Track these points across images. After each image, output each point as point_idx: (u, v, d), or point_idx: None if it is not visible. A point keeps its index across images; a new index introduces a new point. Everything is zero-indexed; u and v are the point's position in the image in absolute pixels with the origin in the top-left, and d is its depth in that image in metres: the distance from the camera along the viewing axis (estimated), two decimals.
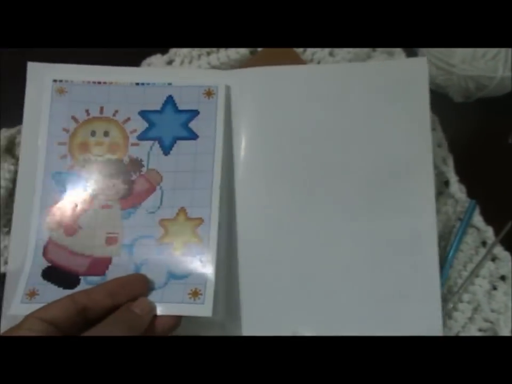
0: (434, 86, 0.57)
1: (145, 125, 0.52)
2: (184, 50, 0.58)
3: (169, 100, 0.52)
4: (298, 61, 0.57)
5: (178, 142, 0.52)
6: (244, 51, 0.58)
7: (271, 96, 0.53)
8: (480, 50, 0.53)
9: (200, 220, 0.49)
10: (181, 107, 0.52)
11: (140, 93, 0.53)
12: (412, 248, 0.49)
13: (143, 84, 0.53)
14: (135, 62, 0.58)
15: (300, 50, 0.59)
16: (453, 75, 0.54)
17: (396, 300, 0.48)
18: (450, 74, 0.54)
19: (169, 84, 0.53)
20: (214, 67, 0.58)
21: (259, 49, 0.58)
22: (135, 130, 0.52)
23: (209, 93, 0.52)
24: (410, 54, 0.58)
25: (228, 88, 0.53)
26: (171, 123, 0.52)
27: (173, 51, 0.58)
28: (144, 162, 0.51)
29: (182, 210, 0.50)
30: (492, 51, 0.53)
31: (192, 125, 0.52)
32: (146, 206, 0.50)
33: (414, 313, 0.48)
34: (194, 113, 0.52)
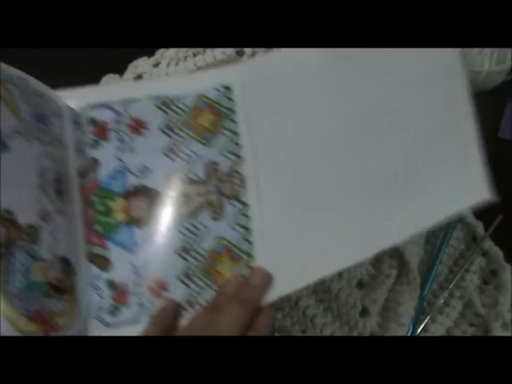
0: None
1: None
2: (171, 52, 0.57)
3: None
4: None
5: None
6: (230, 51, 0.58)
7: (290, 84, 0.51)
8: None
9: None
10: None
11: None
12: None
13: None
14: (122, 64, 0.58)
15: None
16: None
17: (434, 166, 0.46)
18: None
19: None
20: (199, 68, 0.57)
21: (245, 49, 0.58)
22: None
23: None
24: None
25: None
26: None
27: (159, 53, 0.57)
28: None
29: None
30: None
31: None
32: None
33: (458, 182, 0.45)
34: None
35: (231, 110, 0.52)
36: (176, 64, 0.58)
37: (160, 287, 0.48)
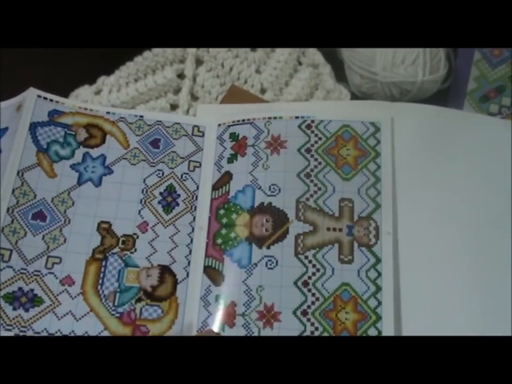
0: (361, 94, 0.57)
1: None
2: (112, 79, 0.57)
3: None
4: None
5: None
6: (171, 75, 0.57)
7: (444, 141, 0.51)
8: (399, 57, 0.52)
9: None
10: None
11: None
12: None
13: None
14: (64, 94, 0.56)
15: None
16: (377, 82, 0.54)
17: None
18: (374, 82, 0.54)
19: None
20: (142, 94, 0.57)
21: (185, 72, 0.58)
22: None
23: (19, 107, 0.51)
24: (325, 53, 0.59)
25: None
26: None
27: (100, 80, 0.57)
28: None
29: None
30: (410, 57, 0.52)
31: (2, 141, 0.50)
32: None
33: None
34: (5, 130, 0.50)
35: (375, 151, 0.50)
36: (118, 90, 0.57)
37: (272, 316, 0.46)
